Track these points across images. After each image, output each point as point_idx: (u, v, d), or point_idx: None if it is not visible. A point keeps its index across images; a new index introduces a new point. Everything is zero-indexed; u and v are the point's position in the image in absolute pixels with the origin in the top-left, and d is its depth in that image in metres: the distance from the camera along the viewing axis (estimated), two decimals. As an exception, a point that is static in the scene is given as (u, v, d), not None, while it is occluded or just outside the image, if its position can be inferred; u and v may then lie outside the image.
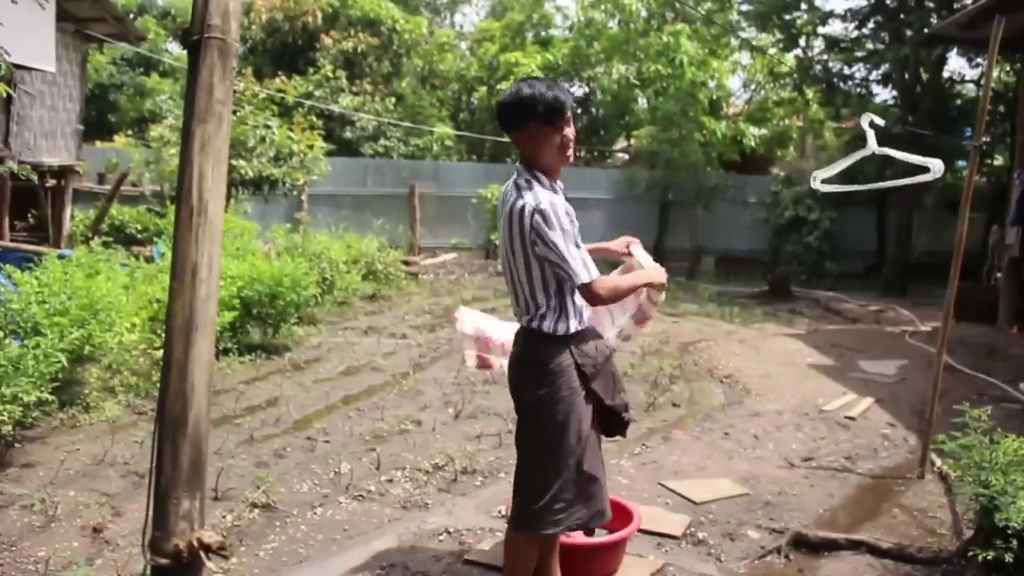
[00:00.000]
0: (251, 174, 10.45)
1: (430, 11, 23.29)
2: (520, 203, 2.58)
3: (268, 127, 10.96)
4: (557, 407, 2.63)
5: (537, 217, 2.53)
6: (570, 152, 2.69)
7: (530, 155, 2.67)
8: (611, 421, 2.80)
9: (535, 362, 2.69)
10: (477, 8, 28.10)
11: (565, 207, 2.59)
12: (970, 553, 3.33)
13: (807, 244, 15.37)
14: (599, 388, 2.70)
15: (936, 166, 4.49)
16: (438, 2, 24.82)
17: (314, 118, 13.31)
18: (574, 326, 2.68)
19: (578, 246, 2.58)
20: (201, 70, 1.91)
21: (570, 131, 2.67)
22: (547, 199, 2.56)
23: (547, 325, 2.65)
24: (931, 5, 13.61)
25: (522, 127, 2.64)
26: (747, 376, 7.21)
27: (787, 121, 18.71)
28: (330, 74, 17.45)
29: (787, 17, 15.38)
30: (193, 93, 1.92)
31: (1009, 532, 3.13)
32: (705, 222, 17.34)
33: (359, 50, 18.21)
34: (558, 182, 2.72)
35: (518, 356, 2.77)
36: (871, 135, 4.64)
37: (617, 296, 2.70)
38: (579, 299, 2.67)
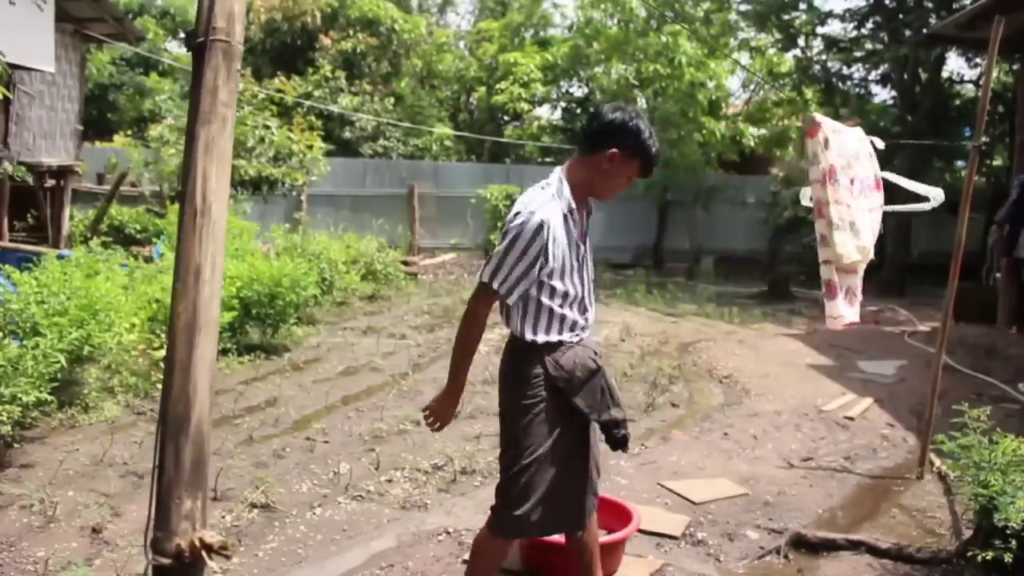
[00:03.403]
0: (251, 174, 10.46)
1: (420, 11, 23.29)
2: (524, 199, 2.60)
3: (267, 127, 10.99)
4: (523, 416, 2.60)
5: (517, 215, 2.54)
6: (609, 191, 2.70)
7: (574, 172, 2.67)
8: (606, 437, 2.76)
9: (508, 368, 2.69)
10: (469, 4, 28.05)
11: (558, 226, 2.56)
12: (969, 553, 3.34)
13: (806, 244, 15.36)
14: (581, 402, 2.64)
15: (936, 195, 4.53)
16: (429, 1, 24.84)
17: (313, 118, 13.36)
18: (552, 336, 2.62)
19: (530, 266, 2.50)
20: (206, 72, 1.91)
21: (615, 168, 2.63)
22: (547, 213, 2.52)
23: (517, 328, 2.62)
24: (930, 5, 13.63)
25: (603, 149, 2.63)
26: (746, 376, 7.22)
27: (786, 121, 18.75)
28: (329, 74, 17.47)
29: (786, 17, 15.40)
30: (197, 95, 1.92)
31: (1008, 532, 3.14)
32: (704, 222, 17.36)
33: (358, 50, 18.22)
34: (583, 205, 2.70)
35: (502, 361, 2.76)
36: (873, 154, 4.60)
37: (461, 325, 2.62)
38: (565, 310, 2.62)
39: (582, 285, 2.67)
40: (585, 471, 2.74)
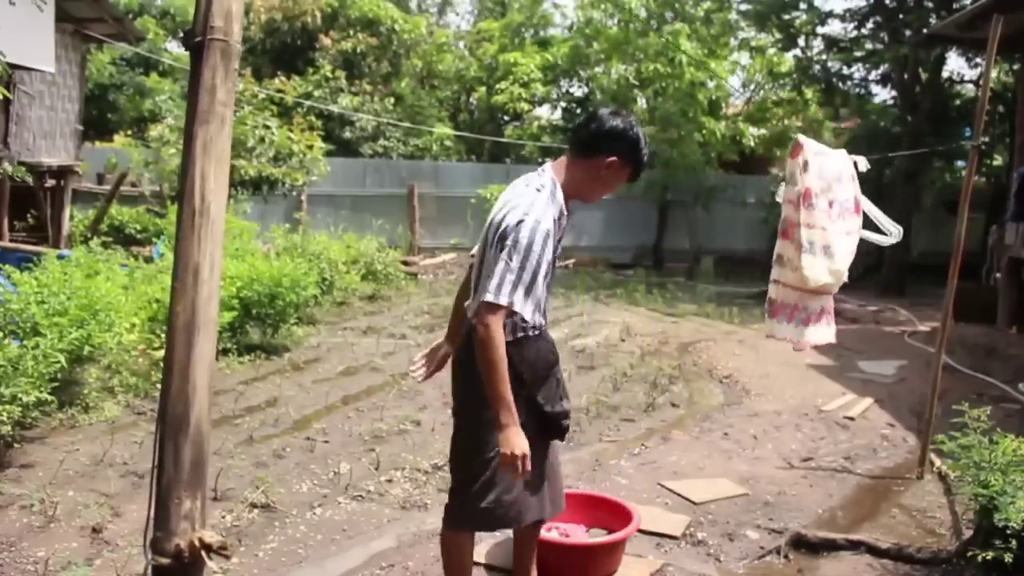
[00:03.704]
0: (251, 174, 10.46)
1: (420, 11, 23.29)
2: (519, 201, 2.52)
3: (268, 127, 10.98)
4: (487, 409, 2.54)
5: (522, 224, 2.44)
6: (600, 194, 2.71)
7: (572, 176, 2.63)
8: (550, 427, 2.75)
9: (472, 362, 2.61)
10: (469, 4, 28.05)
11: (553, 230, 2.53)
12: (969, 553, 3.33)
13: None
14: (539, 394, 2.66)
15: (896, 232, 4.58)
16: (427, 1, 24.85)
17: (313, 118, 13.34)
18: (519, 333, 2.61)
19: (534, 277, 2.44)
20: (203, 72, 1.91)
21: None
22: (548, 219, 2.48)
23: None
24: (930, 5, 13.62)
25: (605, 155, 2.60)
26: (746, 376, 7.22)
27: (786, 121, 18.75)
28: (329, 74, 17.46)
29: (786, 17, 15.39)
30: (195, 95, 1.92)
31: (1008, 532, 3.14)
32: (704, 222, 17.35)
33: (358, 50, 18.22)
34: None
35: (458, 352, 2.74)
36: (855, 177, 4.56)
37: (485, 351, 2.42)
38: (536, 312, 2.58)
39: (549, 285, 2.68)
40: (544, 460, 2.75)
